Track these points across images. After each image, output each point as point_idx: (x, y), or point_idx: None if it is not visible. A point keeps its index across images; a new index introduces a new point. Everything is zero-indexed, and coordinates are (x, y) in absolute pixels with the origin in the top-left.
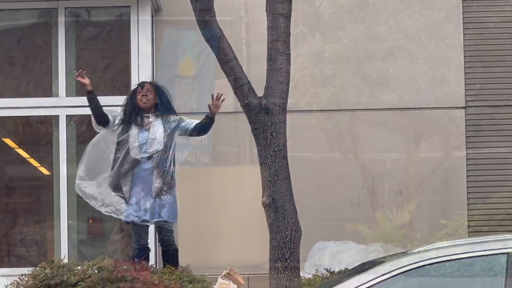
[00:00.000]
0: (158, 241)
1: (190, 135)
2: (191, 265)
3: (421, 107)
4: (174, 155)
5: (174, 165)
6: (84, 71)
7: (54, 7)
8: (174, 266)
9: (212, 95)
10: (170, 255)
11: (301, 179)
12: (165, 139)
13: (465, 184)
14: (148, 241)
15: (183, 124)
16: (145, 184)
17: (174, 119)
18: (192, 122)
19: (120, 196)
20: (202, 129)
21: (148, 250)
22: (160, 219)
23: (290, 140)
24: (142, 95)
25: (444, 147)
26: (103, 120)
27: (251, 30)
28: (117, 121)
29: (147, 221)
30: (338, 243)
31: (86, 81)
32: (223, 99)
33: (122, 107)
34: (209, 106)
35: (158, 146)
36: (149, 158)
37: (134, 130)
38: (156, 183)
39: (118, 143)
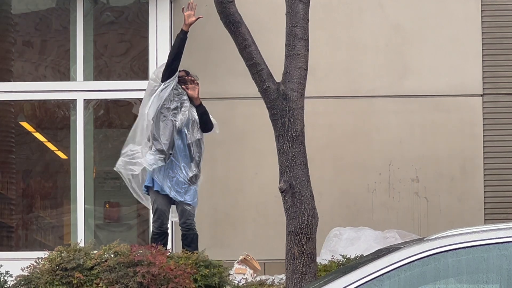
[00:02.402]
0: (179, 225)
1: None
2: (207, 250)
3: (438, 95)
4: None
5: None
6: (195, 4)
7: None
8: (193, 251)
9: (183, 8)
10: (190, 239)
11: (318, 165)
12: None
13: (482, 171)
14: (168, 226)
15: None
16: (184, 164)
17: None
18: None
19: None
20: (203, 123)
21: (167, 235)
22: (183, 200)
23: (308, 126)
24: (191, 81)
25: (461, 134)
26: (175, 68)
27: (270, 16)
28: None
29: (174, 201)
30: (354, 229)
31: (193, 19)
32: (195, 5)
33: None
34: (184, 20)
35: (199, 135)
36: (190, 144)
37: (186, 103)
38: (193, 171)
39: (169, 108)
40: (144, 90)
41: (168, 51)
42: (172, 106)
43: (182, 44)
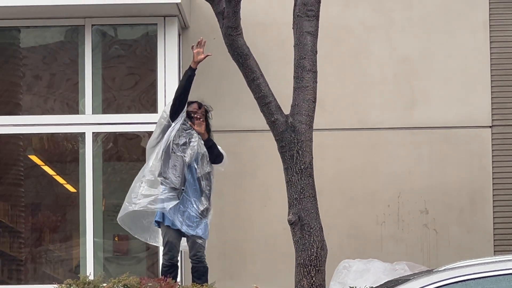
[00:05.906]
0: (189, 258)
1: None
2: (217, 282)
3: (447, 126)
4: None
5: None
6: (204, 41)
7: (81, 24)
8: (203, 283)
9: (193, 46)
10: (200, 272)
11: (327, 197)
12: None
13: (491, 202)
14: (179, 258)
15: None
16: (195, 198)
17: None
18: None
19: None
20: (212, 156)
21: (177, 267)
22: (194, 233)
23: (316, 158)
24: (197, 118)
25: (470, 166)
26: (182, 104)
27: (279, 48)
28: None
29: (185, 234)
30: (363, 261)
31: (202, 56)
32: (205, 42)
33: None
34: (193, 57)
35: (208, 168)
36: (200, 178)
37: (195, 137)
38: (204, 205)
39: (178, 144)
40: (153, 123)
41: (176, 84)
42: (180, 142)
43: (189, 81)
